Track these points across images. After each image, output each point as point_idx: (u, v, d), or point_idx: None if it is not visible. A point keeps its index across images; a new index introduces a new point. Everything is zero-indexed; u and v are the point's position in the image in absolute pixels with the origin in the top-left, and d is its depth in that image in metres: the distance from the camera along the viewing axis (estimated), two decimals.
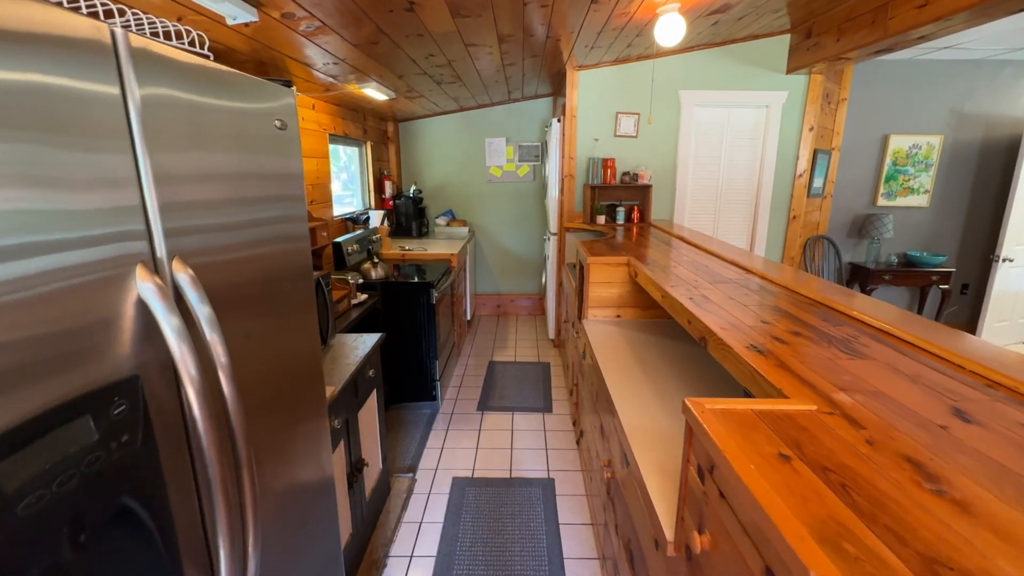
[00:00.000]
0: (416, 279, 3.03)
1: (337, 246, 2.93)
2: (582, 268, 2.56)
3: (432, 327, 3.02)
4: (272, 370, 1.05)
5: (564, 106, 3.69)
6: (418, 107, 4.16)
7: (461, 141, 4.81)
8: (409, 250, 3.74)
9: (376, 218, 3.78)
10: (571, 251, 3.84)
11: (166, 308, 0.66)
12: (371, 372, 1.99)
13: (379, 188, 4.43)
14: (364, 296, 2.81)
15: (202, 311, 0.74)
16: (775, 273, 1.87)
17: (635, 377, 1.77)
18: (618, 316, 2.37)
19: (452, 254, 3.64)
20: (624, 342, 2.10)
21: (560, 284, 4.00)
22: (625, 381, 1.74)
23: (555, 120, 3.78)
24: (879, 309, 1.44)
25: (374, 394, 2.09)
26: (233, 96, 0.89)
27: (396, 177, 4.78)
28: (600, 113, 3.61)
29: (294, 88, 1.16)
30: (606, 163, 3.54)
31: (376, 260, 3.02)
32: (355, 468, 1.82)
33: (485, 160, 4.84)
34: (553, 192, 3.92)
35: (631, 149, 3.66)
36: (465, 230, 4.74)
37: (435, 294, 2.97)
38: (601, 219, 3.57)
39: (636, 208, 3.62)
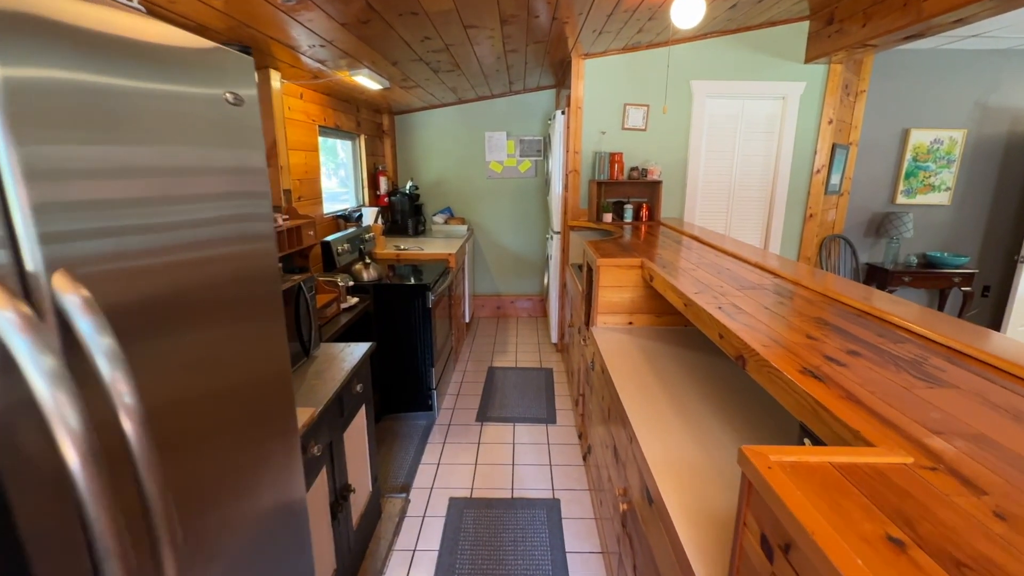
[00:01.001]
0: (411, 280, 2.83)
1: (326, 246, 2.73)
2: (590, 270, 2.36)
3: (428, 332, 2.82)
4: (225, 395, 0.85)
5: (568, 97, 3.49)
6: (415, 99, 3.96)
7: (460, 135, 4.61)
8: (404, 249, 3.54)
9: (369, 216, 3.58)
10: (575, 251, 3.65)
11: (32, 345, 0.46)
12: (359, 387, 1.79)
13: (374, 184, 4.23)
14: (355, 300, 2.61)
15: (98, 343, 0.54)
16: (809, 278, 1.67)
17: (653, 394, 1.57)
18: (630, 323, 2.18)
19: (450, 254, 3.44)
20: (638, 353, 1.90)
21: (563, 286, 3.81)
22: (642, 399, 1.54)
23: (559, 112, 3.57)
24: (941, 322, 1.25)
25: (363, 410, 1.89)
26: (160, 70, 0.69)
27: (392, 173, 4.58)
28: (607, 104, 3.41)
29: (252, 59, 0.96)
30: (613, 158, 3.34)
31: (368, 261, 2.82)
32: (340, 496, 1.62)
33: (485, 155, 4.64)
34: (556, 188, 3.72)
35: (640, 143, 3.46)
36: (464, 228, 4.54)
37: (431, 297, 2.77)
38: (608, 217, 3.38)
39: (645, 206, 3.42)
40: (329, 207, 3.51)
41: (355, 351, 1.88)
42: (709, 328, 1.33)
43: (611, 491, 1.76)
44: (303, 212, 2.85)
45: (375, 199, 4.27)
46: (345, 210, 3.52)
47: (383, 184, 4.26)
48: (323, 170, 3.26)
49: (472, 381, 3.49)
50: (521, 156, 4.63)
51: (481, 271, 4.93)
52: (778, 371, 0.99)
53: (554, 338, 4.06)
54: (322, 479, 1.48)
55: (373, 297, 2.76)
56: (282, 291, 1.60)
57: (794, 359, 1.03)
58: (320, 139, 3.25)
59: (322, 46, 2.15)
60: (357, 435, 1.83)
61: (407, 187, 4.34)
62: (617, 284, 2.12)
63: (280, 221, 2.12)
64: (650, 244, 2.52)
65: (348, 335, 2.80)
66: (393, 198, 4.30)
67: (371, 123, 4.16)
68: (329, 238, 2.76)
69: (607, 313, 2.16)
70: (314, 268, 2.85)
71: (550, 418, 2.97)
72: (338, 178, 3.79)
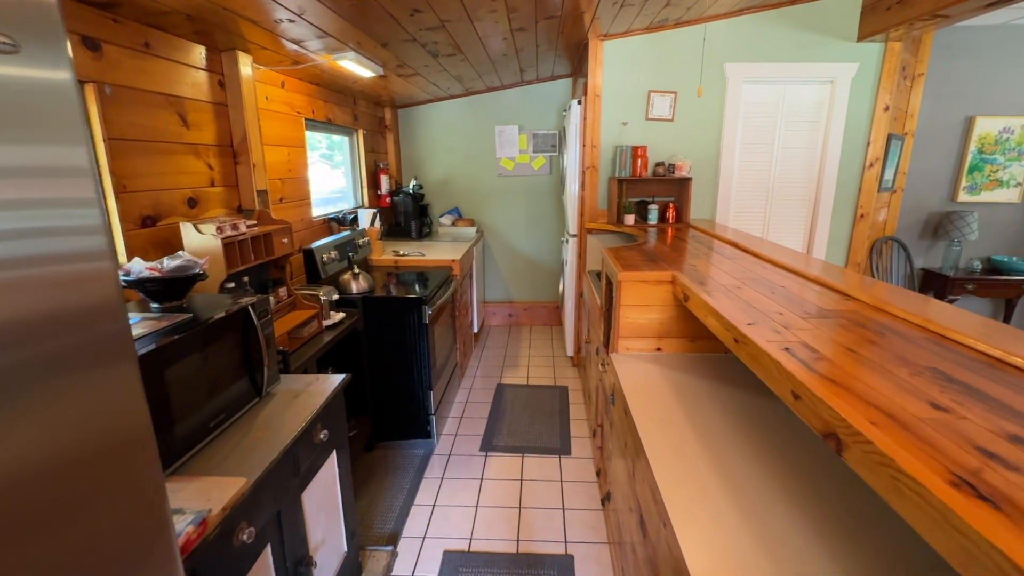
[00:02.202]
0: (411, 290, 2.50)
1: (309, 254, 2.42)
2: (610, 284, 2.00)
3: (426, 350, 2.49)
4: (28, 481, 0.52)
5: (585, 85, 3.12)
6: (417, 89, 3.63)
7: (468, 129, 4.27)
8: (404, 255, 3.21)
9: (365, 218, 3.27)
10: (593, 256, 3.28)
11: None
12: (324, 434, 1.46)
13: (374, 183, 3.92)
14: (340, 315, 2.30)
15: None
16: (899, 303, 1.28)
17: (691, 454, 1.21)
18: (658, 349, 1.81)
19: (453, 260, 3.11)
20: (669, 389, 1.54)
21: (580, 295, 3.44)
22: (676, 460, 1.18)
23: (574, 102, 3.20)
24: None
25: (332, 457, 1.56)
26: None
27: (395, 170, 4.27)
28: (629, 92, 3.02)
29: None
30: (636, 152, 2.96)
31: (357, 271, 2.50)
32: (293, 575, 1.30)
33: (495, 151, 4.29)
34: (572, 187, 3.35)
35: (666, 135, 3.07)
36: (472, 231, 4.21)
37: (428, 311, 2.44)
38: (630, 219, 3.00)
39: (671, 206, 3.03)
40: (324, 209, 3.21)
41: (324, 385, 1.56)
42: (776, 381, 0.96)
43: (633, 544, 1.40)
44: (285, 216, 2.55)
45: (376, 199, 3.96)
46: (339, 212, 3.21)
47: (384, 183, 3.95)
48: (318, 168, 2.95)
49: (478, 401, 3.15)
50: (535, 152, 4.27)
51: (492, 276, 4.59)
52: (910, 478, 0.62)
53: (570, 351, 3.69)
54: (262, 565, 1.15)
55: (362, 312, 2.44)
56: (226, 317, 1.28)
57: (931, 454, 0.66)
58: (309, 134, 2.95)
59: (292, 21, 1.82)
60: (324, 490, 1.51)
61: (410, 186, 4.02)
62: (643, 303, 1.75)
63: (242, 228, 1.80)
64: (679, 251, 2.14)
65: (331, 356, 2.48)
66: (395, 198, 3.99)
67: (370, 117, 3.85)
68: (313, 245, 2.44)
69: (630, 337, 1.79)
70: (296, 279, 2.55)
71: (564, 448, 2.61)
72: (336, 177, 3.50)
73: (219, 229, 1.70)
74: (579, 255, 3.44)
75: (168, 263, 1.33)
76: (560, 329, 4.53)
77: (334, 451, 1.57)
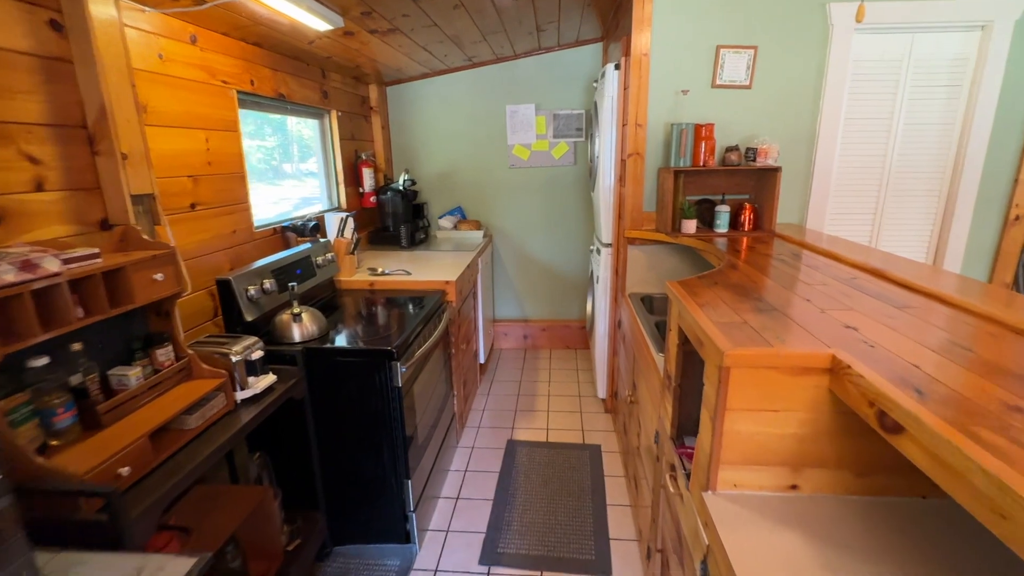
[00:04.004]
0: (380, 334, 1.72)
1: (225, 288, 1.65)
2: (690, 354, 1.19)
3: (399, 424, 1.70)
4: None
5: (627, 44, 2.27)
6: (405, 57, 2.82)
7: (474, 110, 3.45)
8: (383, 274, 2.43)
9: (333, 224, 2.49)
10: (637, 273, 2.44)
11: None
12: None
13: (354, 178, 3.14)
14: (269, 379, 1.52)
15: None
16: None
17: None
18: (793, 487, 0.98)
19: (448, 282, 2.31)
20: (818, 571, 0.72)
21: (617, 324, 2.62)
22: None
23: (610, 68, 2.37)
24: None
25: None
26: None
27: (383, 162, 3.48)
28: (689, 48, 2.17)
29: None
30: (700, 132, 2.11)
31: (298, 310, 1.71)
32: None
33: (506, 136, 3.47)
34: (606, 180, 2.52)
35: (741, 108, 2.21)
36: (478, 235, 3.41)
37: (401, 369, 1.65)
38: (690, 226, 2.15)
39: (748, 207, 2.17)
40: (282, 212, 2.44)
41: None
42: None
43: None
44: (201, 229, 1.78)
45: (357, 199, 3.18)
46: (301, 219, 2.44)
47: (368, 178, 3.16)
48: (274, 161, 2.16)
49: (482, 470, 2.36)
50: (555, 137, 3.44)
51: (503, 289, 3.79)
52: None
53: (601, 391, 2.88)
54: None
55: (304, 370, 1.67)
56: None
57: None
58: (250, 115, 2.17)
59: None
60: None
61: (400, 181, 3.23)
62: (769, 406, 0.93)
63: (50, 266, 1.02)
64: (792, 286, 1.31)
65: (264, 430, 1.72)
66: (382, 197, 3.20)
67: (348, 95, 3.06)
68: (231, 275, 1.67)
69: (742, 464, 0.97)
70: (210, 327, 1.78)
71: (602, 563, 1.81)
72: (299, 171, 2.72)
73: None
74: (615, 271, 2.61)
75: None
76: (586, 353, 3.71)
77: None
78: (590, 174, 2.98)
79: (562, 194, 3.54)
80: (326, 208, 2.94)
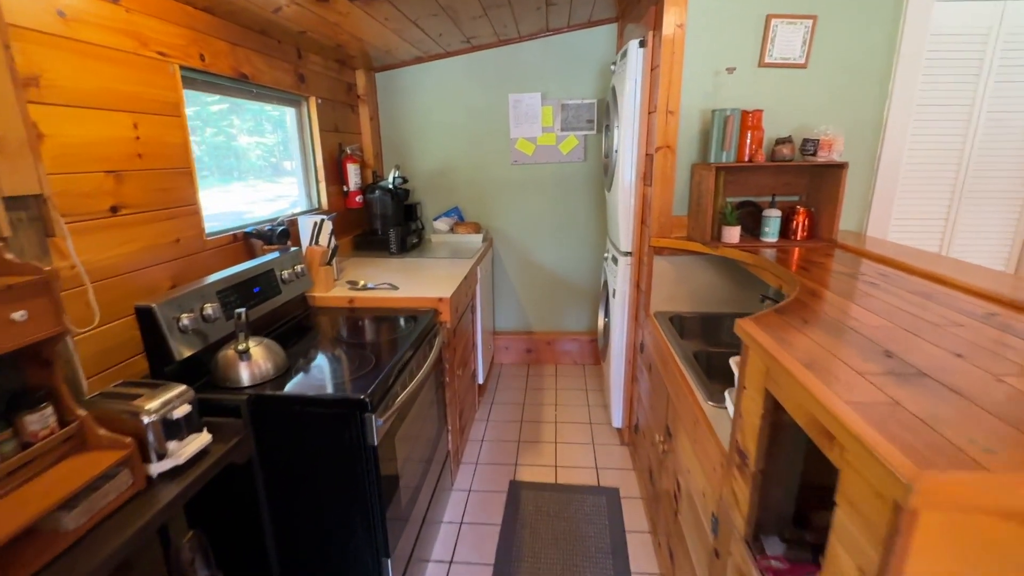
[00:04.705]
0: (352, 375, 1.35)
1: (147, 318, 1.27)
2: (782, 426, 0.82)
3: (374, 492, 1.33)
4: None
5: (655, 15, 1.90)
6: (394, 36, 2.44)
7: (473, 99, 3.08)
8: (365, 288, 2.05)
9: (307, 229, 2.11)
10: (665, 288, 2.07)
11: None
12: None
13: (337, 175, 2.76)
14: (202, 441, 1.15)
15: None
16: None
17: None
18: None
19: (440, 298, 1.94)
20: None
21: (637, 346, 2.25)
22: None
23: (634, 45, 1.99)
24: None
25: None
26: None
27: (371, 158, 3.10)
28: (733, 19, 1.80)
29: None
30: (747, 120, 1.74)
31: (243, 346, 1.34)
32: None
33: (509, 129, 3.09)
34: (626, 177, 2.16)
35: (794, 90, 1.84)
36: (477, 239, 3.04)
37: (377, 423, 1.28)
38: (732, 233, 1.78)
39: (802, 211, 1.80)
40: (279, 209, 2.06)
41: None
42: None
43: None
44: (126, 239, 1.41)
45: (341, 199, 2.80)
46: (273, 222, 2.07)
47: (353, 175, 2.79)
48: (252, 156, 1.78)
49: (481, 522, 2.00)
50: (563, 130, 3.06)
51: (504, 297, 3.42)
52: None
53: (616, 420, 2.51)
54: None
55: (250, 425, 1.29)
56: None
57: None
58: (200, 97, 1.80)
59: None
60: None
61: (390, 179, 2.85)
62: (973, 567, 0.55)
63: None
64: (907, 322, 0.94)
65: (195, 512, 1.35)
66: (369, 196, 2.83)
67: (331, 80, 2.67)
68: (157, 302, 1.29)
69: None
70: (131, 369, 1.40)
71: None
72: (274, 166, 2.36)
73: None
74: (636, 285, 2.25)
75: None
76: (596, 370, 3.35)
77: None
78: (605, 171, 2.61)
79: (571, 194, 3.17)
80: (305, 209, 2.56)
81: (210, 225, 1.89)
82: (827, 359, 0.82)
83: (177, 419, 1.13)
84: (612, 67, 2.40)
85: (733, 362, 1.25)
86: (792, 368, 0.79)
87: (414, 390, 1.55)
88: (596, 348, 3.40)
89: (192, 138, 1.92)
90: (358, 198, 2.82)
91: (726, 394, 1.30)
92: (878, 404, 0.67)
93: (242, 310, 1.36)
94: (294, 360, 1.49)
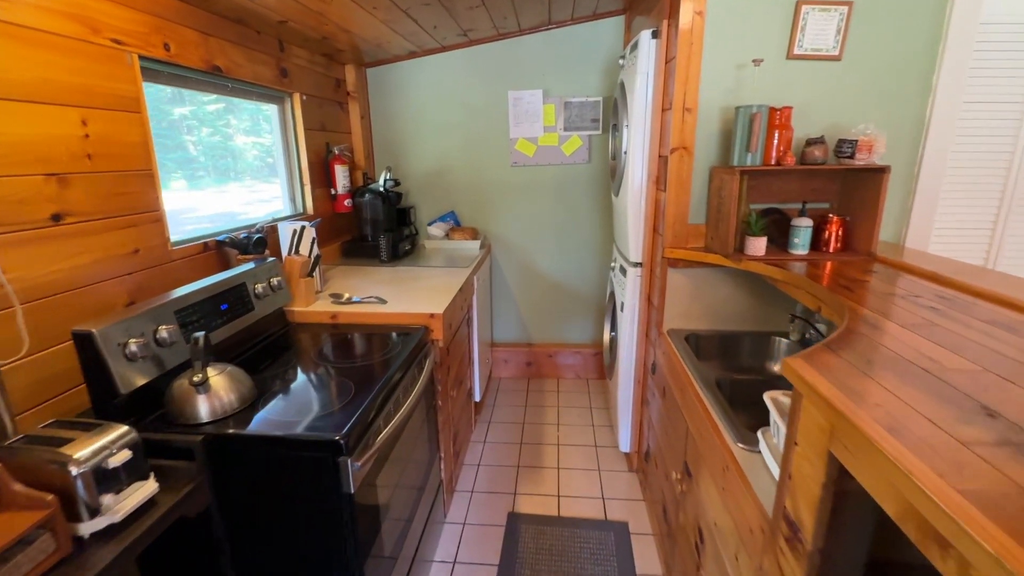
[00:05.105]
0: (324, 411, 1.17)
1: (86, 345, 1.09)
2: (848, 494, 0.63)
3: (350, 545, 1.15)
4: None
5: (672, 3, 1.72)
6: (384, 27, 2.27)
7: (470, 96, 2.90)
8: (349, 302, 1.87)
9: (287, 237, 1.93)
10: (680, 303, 1.88)
11: None
12: None
13: (324, 177, 2.58)
14: (145, 493, 0.97)
15: None
16: None
17: None
18: None
19: (432, 314, 1.76)
20: None
21: (648, 367, 2.07)
22: None
23: (646, 35, 1.82)
24: None
25: None
26: None
27: (361, 159, 2.92)
28: (758, 5, 1.61)
29: None
30: (775, 118, 1.56)
31: (199, 377, 1.15)
32: None
33: (508, 129, 2.92)
34: (636, 181, 1.98)
35: (826, 85, 1.65)
36: (475, 245, 2.86)
37: (354, 467, 1.10)
38: (757, 245, 1.60)
39: (836, 220, 1.62)
40: (274, 211, 1.89)
41: None
42: None
43: None
44: (74, 251, 1.23)
45: (329, 204, 2.63)
46: (249, 229, 1.89)
47: (341, 177, 2.61)
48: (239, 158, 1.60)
49: (476, 562, 1.81)
50: (566, 130, 2.88)
51: (503, 306, 3.24)
52: None
53: (623, 444, 2.33)
54: None
55: (206, 469, 1.11)
56: None
57: None
58: (163, 92, 1.62)
59: None
60: None
61: (381, 181, 2.67)
62: None
63: None
64: (994, 362, 0.76)
65: (146, 565, 1.17)
66: (358, 200, 2.65)
67: (318, 75, 2.50)
68: (94, 327, 1.10)
69: None
70: (73, 402, 1.22)
71: None
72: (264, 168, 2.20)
73: None
74: (647, 299, 2.07)
75: None
76: (601, 384, 3.17)
77: None
78: (612, 175, 2.43)
79: (574, 198, 2.99)
80: (289, 213, 2.38)
81: (200, 228, 1.75)
82: (913, 419, 0.63)
83: (114, 468, 0.95)
84: (620, 61, 2.22)
85: (770, 400, 1.07)
86: (873, 434, 0.60)
87: (401, 420, 1.37)
88: (601, 362, 3.21)
89: (188, 138, 1.81)
90: (347, 202, 2.64)
91: (760, 435, 1.12)
92: (1006, 496, 0.48)
93: (200, 334, 1.17)
94: (265, 388, 1.31)
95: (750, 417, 1.48)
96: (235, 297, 1.49)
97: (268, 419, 1.17)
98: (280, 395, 1.28)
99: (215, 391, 1.18)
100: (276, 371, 1.42)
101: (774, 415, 1.04)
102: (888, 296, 1.16)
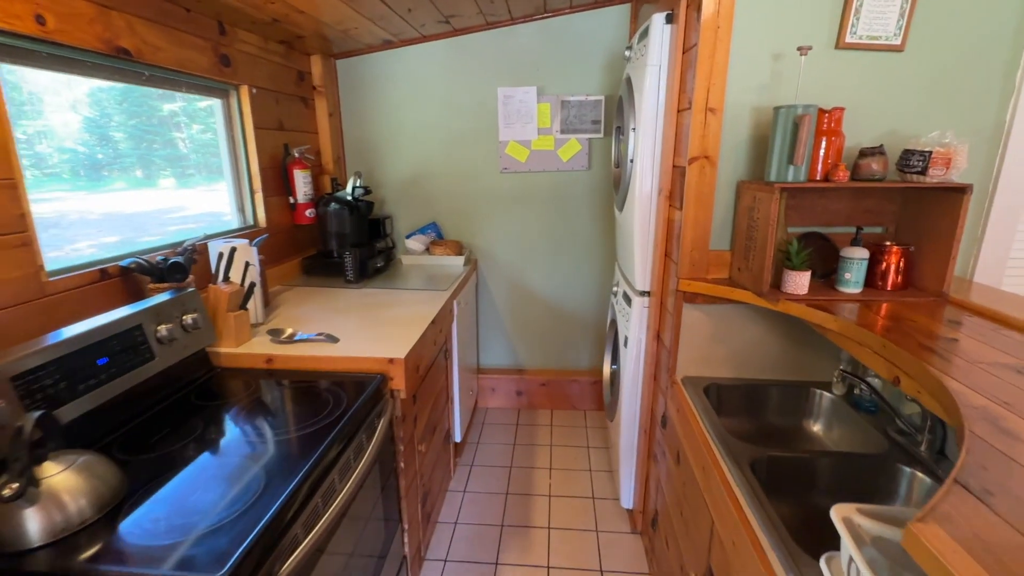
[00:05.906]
0: (247, 483, 0.83)
1: None
2: None
3: None
4: None
5: None
6: (349, 8, 1.92)
7: (454, 93, 2.56)
8: (292, 339, 1.52)
9: (220, 257, 1.58)
10: (696, 345, 1.54)
11: None
12: None
13: (281, 184, 2.23)
14: None
15: None
16: None
17: None
18: None
19: (391, 359, 1.42)
20: None
21: (657, 419, 1.73)
22: None
23: (659, 19, 1.49)
24: None
25: None
26: None
27: (329, 163, 2.57)
28: None
29: None
30: (824, 122, 1.22)
31: (15, 487, 0.81)
32: None
33: (498, 130, 2.58)
34: (645, 194, 1.65)
35: (885, 82, 1.32)
36: (458, 262, 2.52)
37: None
38: (802, 280, 1.26)
39: (896, 251, 1.28)
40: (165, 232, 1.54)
41: None
42: None
43: None
44: None
45: (287, 213, 2.28)
46: (162, 253, 1.54)
47: (302, 184, 2.26)
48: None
49: None
50: (563, 132, 2.55)
51: (491, 329, 2.90)
52: None
53: (626, 500, 1.99)
54: None
55: None
56: None
57: None
58: (45, 78, 1.27)
59: None
60: None
61: (351, 187, 2.33)
62: None
63: None
64: None
65: None
66: (322, 210, 2.30)
67: (274, 66, 2.15)
68: None
69: None
70: None
71: None
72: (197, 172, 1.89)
73: None
74: (657, 336, 1.73)
75: None
76: (599, 417, 2.83)
77: None
78: (616, 185, 2.10)
79: (571, 208, 2.65)
80: (237, 226, 2.04)
81: (185, 229, 1.44)
82: None
83: None
84: (626, 52, 1.88)
85: (841, 523, 0.74)
86: None
87: (339, 509, 1.03)
88: (599, 391, 2.88)
89: (177, 135, 1.62)
90: (308, 212, 2.30)
91: (823, 566, 0.79)
92: None
93: (35, 414, 0.83)
94: (143, 478, 0.97)
95: (792, 505, 1.15)
96: (122, 346, 1.14)
97: (131, 532, 0.82)
98: (160, 492, 0.93)
99: (54, 496, 0.83)
100: (169, 448, 1.07)
101: (850, 548, 0.71)
102: (994, 368, 0.83)
